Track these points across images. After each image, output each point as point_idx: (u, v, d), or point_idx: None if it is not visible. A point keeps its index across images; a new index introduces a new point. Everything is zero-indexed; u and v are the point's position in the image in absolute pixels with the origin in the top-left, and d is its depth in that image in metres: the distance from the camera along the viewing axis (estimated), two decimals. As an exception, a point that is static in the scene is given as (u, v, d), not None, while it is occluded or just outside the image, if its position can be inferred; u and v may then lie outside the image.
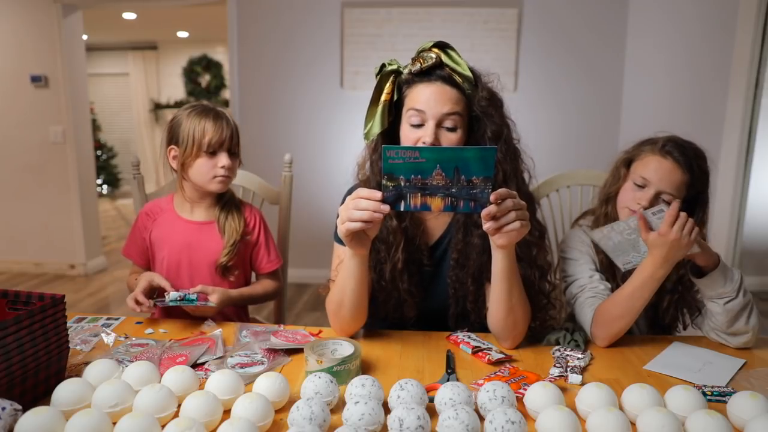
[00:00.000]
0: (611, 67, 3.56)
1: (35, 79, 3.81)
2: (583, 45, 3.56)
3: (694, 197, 1.19)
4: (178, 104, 8.08)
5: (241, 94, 3.82)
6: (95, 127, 7.27)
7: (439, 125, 1.10)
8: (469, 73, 1.10)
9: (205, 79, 7.92)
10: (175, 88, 8.15)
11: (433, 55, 1.10)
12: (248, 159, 3.84)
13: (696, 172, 1.17)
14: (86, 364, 0.96)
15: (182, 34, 7.74)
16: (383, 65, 1.15)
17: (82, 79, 4.04)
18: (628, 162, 1.25)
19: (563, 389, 0.90)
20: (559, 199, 1.73)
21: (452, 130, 1.11)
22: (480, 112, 1.13)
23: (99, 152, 7.70)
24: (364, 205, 0.94)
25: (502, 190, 0.91)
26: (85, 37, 4.18)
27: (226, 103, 7.48)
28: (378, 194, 0.93)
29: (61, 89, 3.83)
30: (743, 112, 2.29)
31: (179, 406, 0.83)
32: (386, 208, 0.93)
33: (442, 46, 1.12)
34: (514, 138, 1.18)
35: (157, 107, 8.20)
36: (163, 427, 0.75)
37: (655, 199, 1.16)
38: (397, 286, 1.19)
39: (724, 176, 2.36)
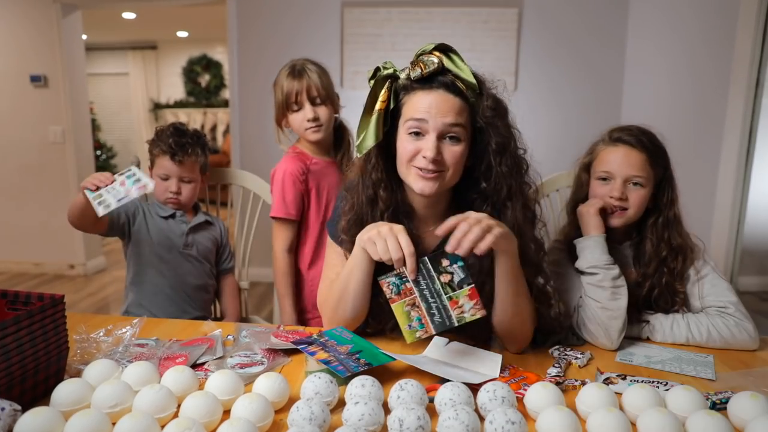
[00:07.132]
0: (611, 66, 3.56)
1: (35, 79, 3.81)
2: (583, 45, 3.56)
3: (660, 178, 1.20)
4: (177, 104, 8.08)
5: (241, 94, 3.81)
6: (95, 127, 7.26)
7: (440, 137, 1.01)
8: (473, 80, 1.01)
9: (204, 79, 7.93)
10: (174, 88, 8.15)
11: (435, 60, 1.00)
12: (248, 159, 3.87)
13: (651, 147, 1.18)
14: (86, 364, 0.96)
15: (182, 34, 7.74)
16: (377, 69, 1.05)
17: (81, 79, 4.04)
18: (587, 167, 1.26)
19: (563, 389, 0.90)
20: (560, 199, 1.72)
21: (455, 141, 1.02)
22: (484, 122, 1.03)
23: (99, 152, 7.68)
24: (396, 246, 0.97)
25: (444, 226, 0.95)
26: (84, 36, 4.18)
27: (225, 103, 7.49)
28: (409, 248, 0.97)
29: (60, 89, 3.83)
30: (743, 112, 2.28)
31: (179, 406, 0.83)
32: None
33: (444, 49, 1.02)
34: (519, 149, 1.08)
35: (157, 107, 8.19)
36: (162, 427, 0.75)
37: (624, 187, 1.17)
38: None
39: (724, 176, 2.36)
